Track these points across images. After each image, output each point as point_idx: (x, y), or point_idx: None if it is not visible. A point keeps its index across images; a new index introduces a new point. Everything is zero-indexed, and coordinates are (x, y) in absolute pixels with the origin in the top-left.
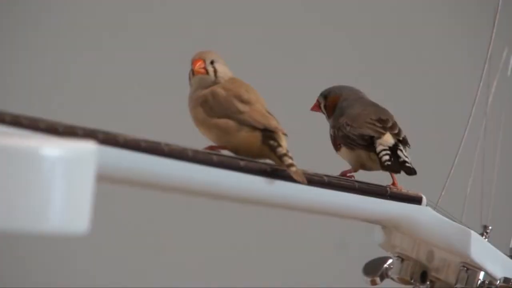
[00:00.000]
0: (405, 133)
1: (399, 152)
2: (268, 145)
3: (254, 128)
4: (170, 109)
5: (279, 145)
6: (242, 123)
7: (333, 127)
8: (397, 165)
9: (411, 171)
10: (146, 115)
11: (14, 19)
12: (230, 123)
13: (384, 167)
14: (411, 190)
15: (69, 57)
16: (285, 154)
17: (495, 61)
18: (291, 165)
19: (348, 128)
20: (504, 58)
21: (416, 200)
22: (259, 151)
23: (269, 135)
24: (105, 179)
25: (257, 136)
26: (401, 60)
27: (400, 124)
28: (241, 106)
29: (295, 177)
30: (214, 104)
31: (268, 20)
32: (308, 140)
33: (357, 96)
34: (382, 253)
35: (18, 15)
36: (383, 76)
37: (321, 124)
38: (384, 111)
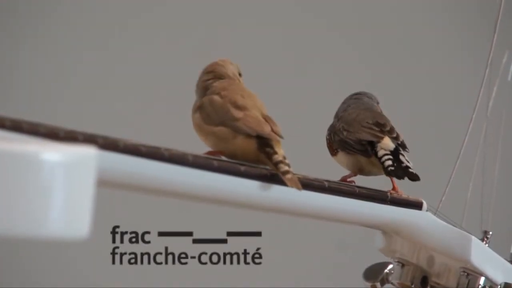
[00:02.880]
0: (405, 137)
1: (401, 157)
2: (264, 152)
3: (249, 135)
4: (171, 114)
5: (275, 152)
6: (237, 130)
7: (328, 130)
8: (400, 171)
9: (414, 177)
10: (146, 120)
11: (14, 22)
12: (226, 130)
13: (387, 172)
14: (412, 196)
15: (69, 62)
16: (281, 161)
17: (496, 66)
18: (287, 172)
19: (345, 133)
20: (504, 63)
21: (417, 205)
22: (255, 158)
23: (265, 141)
24: (105, 184)
25: (252, 143)
26: (401, 64)
27: (401, 128)
28: (236, 113)
29: (289, 184)
30: (210, 111)
31: (267, 21)
32: (308, 144)
33: (355, 101)
34: (382, 254)
35: (17, 19)
36: (383, 80)
37: (322, 128)
38: (380, 114)
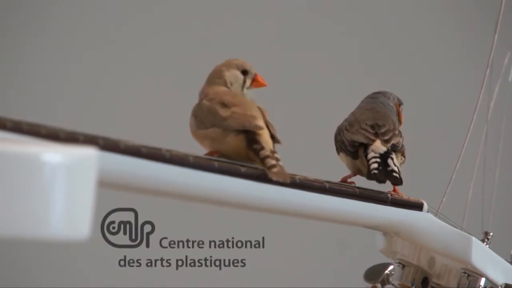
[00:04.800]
0: (405, 140)
1: (389, 161)
2: (252, 150)
3: (238, 133)
4: (172, 114)
5: (262, 148)
6: (227, 128)
7: (337, 129)
8: (383, 174)
9: (396, 181)
10: (147, 121)
11: (15, 23)
12: (217, 131)
13: (369, 175)
14: (412, 197)
15: (70, 63)
16: (268, 156)
17: (496, 67)
18: (273, 166)
19: (345, 132)
20: (505, 64)
21: (417, 207)
22: (246, 156)
23: (252, 138)
24: (106, 185)
25: (241, 141)
26: (401, 65)
27: (401, 130)
28: (223, 112)
29: (274, 177)
30: (202, 116)
31: (268, 21)
32: (309, 145)
33: (368, 100)
34: (383, 255)
35: (18, 20)
36: (384, 81)
37: (322, 128)
38: (383, 116)
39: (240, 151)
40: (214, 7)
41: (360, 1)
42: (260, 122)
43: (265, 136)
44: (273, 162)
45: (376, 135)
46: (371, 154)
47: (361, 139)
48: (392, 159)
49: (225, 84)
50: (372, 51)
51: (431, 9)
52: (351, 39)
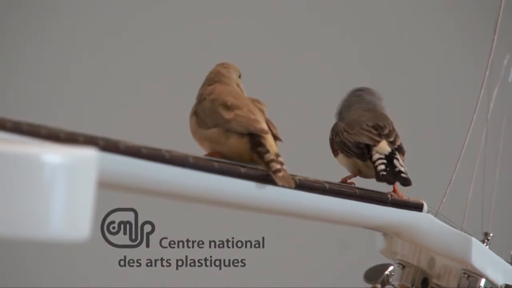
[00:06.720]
0: (405, 139)
1: (395, 161)
2: (256, 152)
3: (241, 135)
4: (172, 115)
5: (267, 151)
6: (230, 131)
7: (331, 131)
8: (391, 176)
9: (406, 182)
10: (147, 122)
11: (16, 23)
12: (218, 133)
13: (378, 177)
14: (412, 197)
15: (70, 64)
16: (273, 160)
17: (496, 67)
18: (278, 170)
19: (345, 134)
20: (505, 65)
21: (417, 207)
22: (249, 158)
23: (257, 141)
24: (106, 185)
25: (245, 143)
26: (402, 66)
27: (401, 131)
28: (226, 114)
29: (280, 182)
30: (203, 116)
31: (268, 21)
32: (309, 146)
33: (358, 99)
34: (383, 255)
35: (19, 21)
36: (384, 82)
37: (322, 129)
38: (382, 116)
39: (243, 153)
40: (214, 7)
41: (360, 1)
42: (264, 126)
43: (269, 140)
44: (278, 166)
45: (380, 136)
46: (376, 156)
47: (365, 140)
48: (397, 159)
49: (228, 84)
50: (372, 51)
51: (431, 9)
52: (351, 39)
